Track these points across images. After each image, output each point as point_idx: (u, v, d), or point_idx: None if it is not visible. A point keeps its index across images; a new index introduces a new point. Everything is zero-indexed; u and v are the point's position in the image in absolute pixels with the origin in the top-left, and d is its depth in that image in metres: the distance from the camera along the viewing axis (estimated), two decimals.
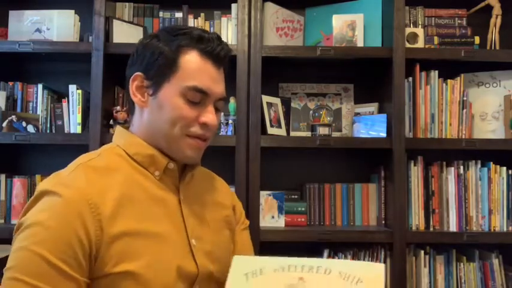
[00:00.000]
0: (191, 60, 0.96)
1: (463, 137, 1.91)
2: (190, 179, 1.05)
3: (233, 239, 1.15)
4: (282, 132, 1.93)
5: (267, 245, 1.78)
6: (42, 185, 0.90)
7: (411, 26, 2.03)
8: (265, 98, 1.91)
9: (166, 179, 1.00)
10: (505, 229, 1.89)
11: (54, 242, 0.83)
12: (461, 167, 1.91)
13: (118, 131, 1.05)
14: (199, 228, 1.02)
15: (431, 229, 1.89)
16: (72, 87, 1.92)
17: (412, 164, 1.90)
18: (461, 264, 1.87)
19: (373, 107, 2.01)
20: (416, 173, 1.90)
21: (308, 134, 2.04)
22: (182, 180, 1.03)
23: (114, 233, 0.87)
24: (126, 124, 1.12)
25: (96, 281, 0.87)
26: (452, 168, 1.90)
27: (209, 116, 0.97)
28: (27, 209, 0.89)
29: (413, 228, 1.88)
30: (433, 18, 2.04)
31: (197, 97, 0.96)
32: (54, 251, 0.82)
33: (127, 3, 2.04)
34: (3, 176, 1.94)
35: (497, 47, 1.99)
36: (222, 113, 1.88)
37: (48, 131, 1.94)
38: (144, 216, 0.92)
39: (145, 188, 0.96)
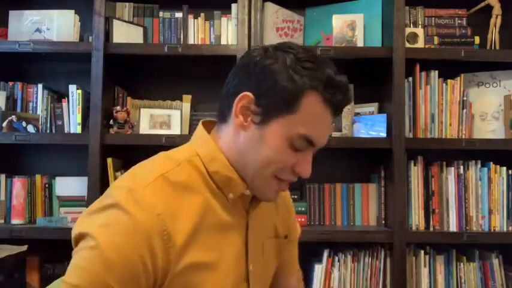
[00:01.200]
0: (313, 105, 0.84)
1: (463, 137, 1.91)
2: (259, 201, 0.96)
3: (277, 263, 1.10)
4: None
5: None
6: (116, 193, 0.81)
7: (411, 26, 2.03)
8: None
9: (239, 203, 0.92)
10: (505, 229, 1.89)
11: (121, 272, 0.76)
12: (461, 167, 1.91)
13: (201, 135, 0.93)
14: (257, 253, 0.96)
15: (431, 229, 1.89)
16: (72, 87, 1.92)
17: (412, 164, 1.90)
18: (461, 264, 1.87)
19: (373, 107, 2.01)
20: (416, 173, 1.90)
21: None
22: (252, 203, 0.95)
23: (183, 265, 0.81)
24: (209, 119, 0.97)
25: None
26: (452, 168, 1.90)
27: (306, 166, 0.89)
28: (91, 214, 0.81)
29: (413, 228, 1.88)
30: (433, 18, 2.04)
31: (303, 146, 0.86)
32: (120, 282, 0.76)
33: (127, 3, 2.04)
34: (3, 176, 1.94)
35: (497, 47, 1.99)
36: None
37: (48, 131, 1.94)
38: (211, 245, 0.86)
39: (218, 214, 0.88)
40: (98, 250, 0.75)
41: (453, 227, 1.89)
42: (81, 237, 0.79)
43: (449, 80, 1.93)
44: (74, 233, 0.81)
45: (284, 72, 0.83)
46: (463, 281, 1.86)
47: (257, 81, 0.85)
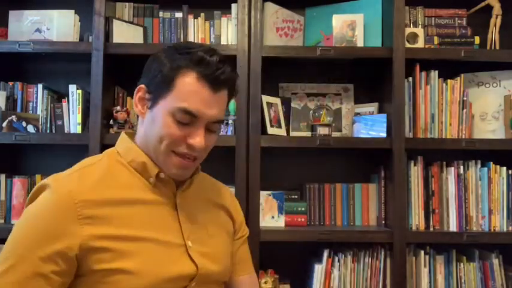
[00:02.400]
0: (187, 82, 0.98)
1: (463, 137, 1.91)
2: (188, 185, 1.09)
3: (232, 248, 1.19)
4: (282, 132, 1.93)
5: (267, 245, 1.78)
6: (36, 187, 0.99)
7: (411, 26, 2.03)
8: (265, 98, 1.91)
9: (162, 186, 1.04)
10: (505, 229, 1.89)
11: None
12: (461, 167, 1.91)
13: (121, 137, 1.10)
14: (196, 231, 1.05)
15: (431, 229, 1.89)
16: (72, 87, 1.92)
17: (412, 164, 1.90)
18: (461, 264, 1.87)
19: (373, 107, 2.01)
20: (416, 173, 1.90)
21: (308, 134, 2.04)
22: (180, 186, 1.07)
23: (100, 234, 0.92)
24: (132, 129, 1.21)
25: (80, 278, 0.93)
26: (452, 168, 1.90)
27: (196, 138, 0.99)
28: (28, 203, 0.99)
29: (413, 228, 1.88)
30: (433, 18, 2.04)
31: (186, 118, 0.98)
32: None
33: (127, 3, 2.04)
34: (3, 176, 1.94)
35: (497, 47, 1.99)
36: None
37: (48, 131, 1.94)
38: (132, 220, 0.97)
39: (139, 194, 1.00)
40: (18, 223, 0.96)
41: (453, 227, 1.89)
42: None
43: (449, 80, 1.93)
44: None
45: (164, 59, 1.00)
46: (463, 281, 1.86)
47: (147, 73, 1.04)
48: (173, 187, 1.06)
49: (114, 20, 1.92)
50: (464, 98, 1.93)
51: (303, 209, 1.92)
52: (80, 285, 0.94)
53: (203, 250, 1.04)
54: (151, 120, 1.01)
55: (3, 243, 0.96)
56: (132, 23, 2.01)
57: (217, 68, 0.98)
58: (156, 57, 1.03)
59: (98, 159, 1.05)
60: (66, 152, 2.06)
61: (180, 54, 0.99)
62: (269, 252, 1.81)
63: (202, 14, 2.05)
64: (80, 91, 1.92)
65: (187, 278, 1.00)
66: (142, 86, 1.04)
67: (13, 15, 1.97)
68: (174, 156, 1.00)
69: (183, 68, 0.98)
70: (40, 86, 1.97)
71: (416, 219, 1.89)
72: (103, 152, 1.09)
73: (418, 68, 1.91)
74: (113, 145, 1.90)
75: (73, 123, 1.92)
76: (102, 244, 0.92)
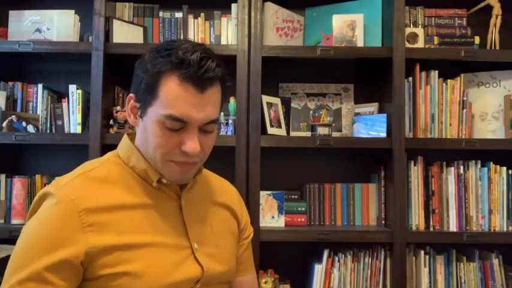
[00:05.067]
0: (169, 87, 0.92)
1: (463, 137, 1.91)
2: (192, 185, 1.06)
3: (238, 250, 1.17)
4: (282, 132, 1.93)
5: (267, 245, 1.78)
6: (39, 193, 0.96)
7: (411, 26, 2.03)
8: (265, 98, 1.91)
9: (166, 188, 1.02)
10: (505, 229, 1.89)
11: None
12: (461, 167, 1.91)
13: (123, 140, 1.06)
14: (201, 232, 1.04)
15: (431, 229, 1.89)
16: (72, 87, 1.92)
17: (412, 164, 1.90)
18: (461, 264, 1.87)
19: (373, 107, 2.01)
20: (416, 173, 1.90)
21: (308, 134, 2.04)
22: (184, 187, 1.04)
23: (105, 241, 0.91)
24: (132, 130, 1.16)
25: (86, 282, 0.92)
26: (452, 168, 1.90)
27: (189, 144, 0.93)
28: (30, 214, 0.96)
29: (413, 228, 1.88)
30: (433, 18, 2.04)
31: (176, 125, 0.93)
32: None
33: (127, 3, 2.04)
34: (3, 176, 1.94)
35: (497, 47, 1.99)
36: (222, 113, 1.88)
37: (48, 131, 1.94)
38: (141, 225, 0.96)
39: (144, 197, 0.99)
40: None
41: (453, 227, 1.89)
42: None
43: (449, 80, 1.93)
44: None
45: (143, 66, 0.96)
46: (463, 281, 1.86)
47: (134, 80, 0.99)
48: (177, 189, 1.03)
49: (114, 20, 1.92)
50: (464, 98, 1.93)
51: (303, 209, 1.92)
52: None
53: (209, 251, 1.03)
54: (143, 130, 0.97)
55: (3, 243, 0.96)
56: (132, 23, 2.01)
57: (199, 67, 0.91)
58: (140, 62, 0.98)
59: (99, 163, 1.02)
60: (66, 152, 2.06)
61: (161, 57, 0.93)
62: (269, 252, 1.81)
63: (202, 14, 2.05)
64: (80, 91, 1.92)
65: (193, 281, 0.99)
66: (132, 95, 1.00)
67: (13, 15, 1.97)
68: (172, 164, 0.96)
69: (164, 73, 0.92)
70: (40, 86, 1.97)
71: (416, 219, 1.89)
72: (104, 156, 1.06)
73: (418, 68, 1.91)
74: (112, 145, 1.91)
75: (73, 123, 1.92)
76: (107, 250, 0.90)
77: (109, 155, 1.06)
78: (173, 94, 0.92)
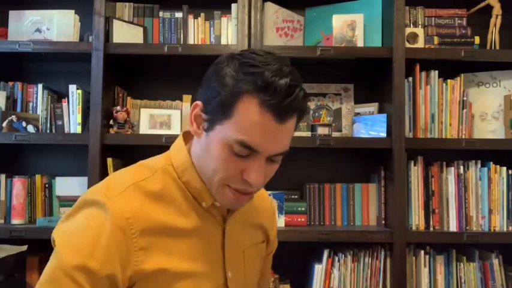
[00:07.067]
0: (247, 110, 0.81)
1: (463, 137, 1.91)
2: (238, 209, 0.99)
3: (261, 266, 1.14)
4: None
5: None
6: (88, 199, 0.86)
7: (411, 26, 2.03)
8: None
9: (214, 210, 0.94)
10: (505, 229, 1.89)
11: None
12: (461, 167, 1.91)
13: (178, 145, 0.96)
14: (236, 260, 0.98)
15: (431, 229, 1.89)
16: (72, 87, 1.92)
17: (412, 164, 1.90)
18: (461, 264, 1.87)
19: (373, 107, 2.01)
20: (416, 173, 1.90)
21: (308, 134, 2.04)
22: (230, 210, 0.97)
23: (151, 267, 0.85)
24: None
25: None
26: (452, 168, 1.90)
27: (254, 175, 0.84)
28: (63, 221, 0.87)
29: (413, 228, 1.88)
30: (433, 18, 2.04)
31: (244, 152, 0.83)
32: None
33: (127, 3, 2.04)
34: (3, 176, 1.94)
35: (497, 47, 1.99)
36: None
37: (48, 131, 1.94)
38: (182, 251, 0.89)
39: (191, 221, 0.91)
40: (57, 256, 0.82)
41: (453, 227, 1.89)
42: (53, 242, 0.85)
43: (449, 80, 1.93)
44: (51, 237, 0.86)
45: (221, 78, 0.84)
46: (463, 281, 1.86)
47: (205, 89, 0.87)
48: (224, 212, 0.96)
49: (114, 20, 1.92)
50: (464, 98, 1.93)
51: (303, 209, 1.92)
52: None
53: (240, 279, 0.98)
54: (206, 148, 0.87)
55: (3, 243, 0.94)
56: (132, 23, 2.01)
57: (286, 95, 0.80)
58: (218, 71, 0.85)
59: (152, 172, 0.92)
60: (66, 152, 2.06)
61: (244, 73, 0.81)
62: None
63: (202, 14, 2.05)
64: (80, 91, 1.92)
65: None
66: (199, 103, 0.88)
67: (13, 15, 1.97)
68: (228, 190, 0.88)
69: (245, 94, 0.81)
70: (40, 86, 1.97)
71: (416, 219, 1.89)
72: (157, 158, 0.96)
73: (418, 68, 1.91)
74: (112, 145, 1.90)
75: (73, 123, 1.92)
76: (150, 276, 0.84)
77: (162, 160, 0.95)
78: (250, 120, 0.81)
